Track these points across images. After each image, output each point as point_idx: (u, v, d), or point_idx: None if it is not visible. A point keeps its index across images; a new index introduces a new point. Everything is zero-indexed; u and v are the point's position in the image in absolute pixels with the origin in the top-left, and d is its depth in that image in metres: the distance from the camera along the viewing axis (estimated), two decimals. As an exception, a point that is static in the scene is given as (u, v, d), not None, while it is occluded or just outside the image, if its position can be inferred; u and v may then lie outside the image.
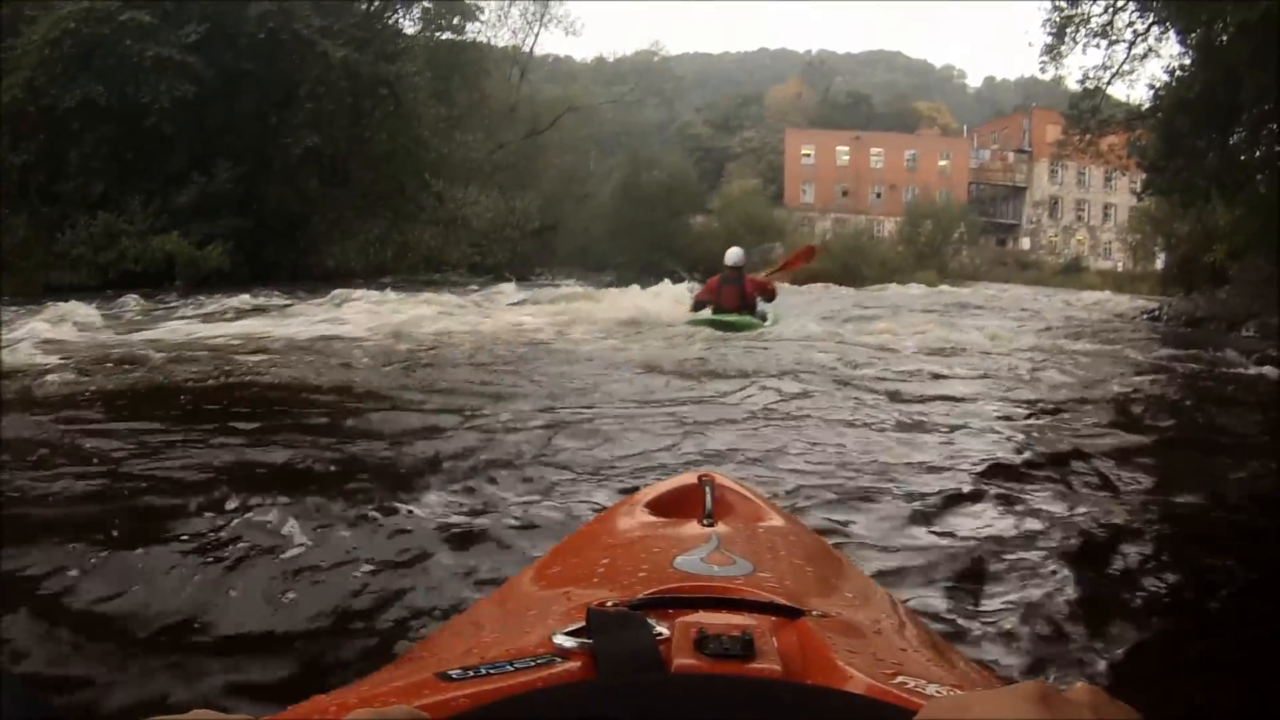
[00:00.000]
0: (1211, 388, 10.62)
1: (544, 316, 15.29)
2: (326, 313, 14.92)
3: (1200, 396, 9.69)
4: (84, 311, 13.87)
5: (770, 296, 15.38)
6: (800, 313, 18.04)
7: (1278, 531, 4.73)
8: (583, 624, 1.07)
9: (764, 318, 14.77)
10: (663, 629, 1.06)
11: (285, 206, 33.01)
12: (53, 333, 11.29)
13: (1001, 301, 27.89)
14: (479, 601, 1.84)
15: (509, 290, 20.96)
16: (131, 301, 17.80)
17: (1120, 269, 59.45)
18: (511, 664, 0.99)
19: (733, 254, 15.18)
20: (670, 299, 17.25)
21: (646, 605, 1.18)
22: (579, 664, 1.00)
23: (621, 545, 1.68)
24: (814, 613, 1.18)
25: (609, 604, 1.19)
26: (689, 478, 1.99)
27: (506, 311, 16.21)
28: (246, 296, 17.98)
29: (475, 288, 23.29)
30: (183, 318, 15.09)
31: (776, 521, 1.82)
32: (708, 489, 1.83)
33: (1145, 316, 22.22)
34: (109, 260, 27.72)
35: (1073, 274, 59.89)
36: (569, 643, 1.03)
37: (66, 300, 15.28)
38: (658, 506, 1.86)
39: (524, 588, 1.58)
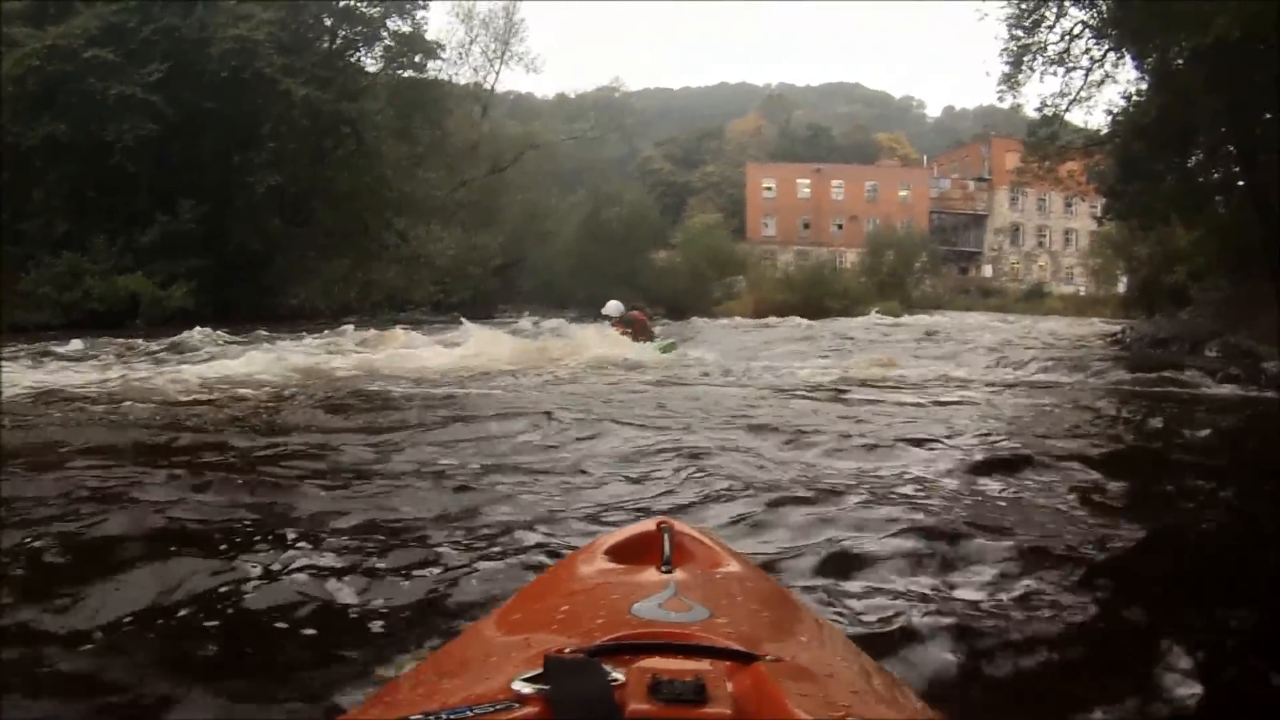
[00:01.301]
0: (1176, 408, 10.67)
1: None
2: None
3: (1165, 418, 9.72)
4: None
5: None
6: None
7: (1252, 545, 4.76)
8: (540, 670, 1.09)
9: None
10: (618, 675, 1.08)
11: (248, 245, 32.94)
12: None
13: (962, 329, 27.87)
14: (441, 648, 1.85)
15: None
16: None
17: (1083, 293, 59.87)
18: (470, 709, 1.03)
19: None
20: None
21: (603, 651, 1.20)
22: (536, 709, 1.03)
23: (581, 592, 1.67)
24: (768, 657, 1.20)
25: (567, 650, 1.21)
26: (648, 524, 1.97)
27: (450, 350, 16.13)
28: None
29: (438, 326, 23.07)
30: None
31: (734, 567, 1.82)
32: (666, 535, 1.83)
33: (1108, 340, 22.30)
34: (73, 300, 27.62)
35: (1035, 300, 60.27)
36: (526, 689, 1.06)
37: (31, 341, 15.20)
38: (617, 553, 1.86)
39: (485, 634, 1.59)
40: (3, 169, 29.09)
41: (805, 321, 31.28)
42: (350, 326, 21.26)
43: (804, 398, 10.35)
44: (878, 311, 39.93)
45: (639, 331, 18.09)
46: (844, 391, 11.13)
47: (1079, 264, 68.66)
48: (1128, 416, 9.81)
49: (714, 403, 9.69)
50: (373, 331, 20.34)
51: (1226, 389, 12.92)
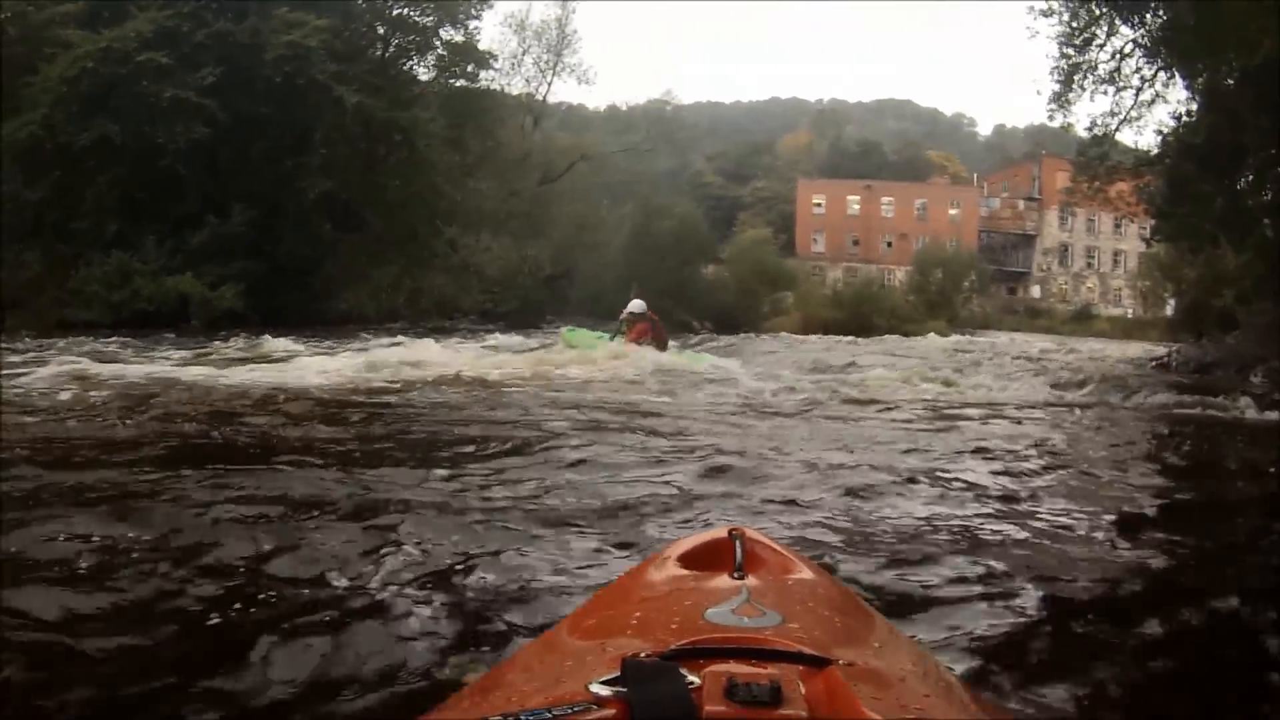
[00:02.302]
0: (1217, 439, 10.55)
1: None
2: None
3: (1206, 449, 9.64)
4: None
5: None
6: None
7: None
8: (618, 674, 1.12)
9: None
10: (694, 678, 1.11)
11: (298, 250, 33.16)
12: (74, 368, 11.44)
13: (1011, 350, 27.59)
14: (517, 651, 1.89)
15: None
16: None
17: (1130, 315, 59.30)
18: (549, 711, 1.06)
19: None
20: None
21: (679, 656, 1.22)
22: (614, 712, 1.06)
23: (654, 598, 1.70)
24: (840, 662, 1.22)
25: (642, 655, 1.24)
26: (719, 532, 2.00)
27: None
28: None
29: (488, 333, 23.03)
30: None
31: (805, 574, 1.84)
32: (738, 543, 1.86)
33: (1153, 364, 22.00)
34: (122, 299, 27.91)
35: (1083, 321, 59.68)
36: (605, 691, 1.09)
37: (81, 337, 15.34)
38: (689, 560, 1.88)
39: (560, 639, 1.63)
40: (55, 168, 29.44)
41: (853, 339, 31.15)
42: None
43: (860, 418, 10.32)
44: (933, 333, 39.56)
45: (656, 336, 17.57)
46: (890, 409, 11.10)
47: (1127, 286, 68.03)
48: (1167, 443, 9.71)
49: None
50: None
51: (1272, 415, 12.76)
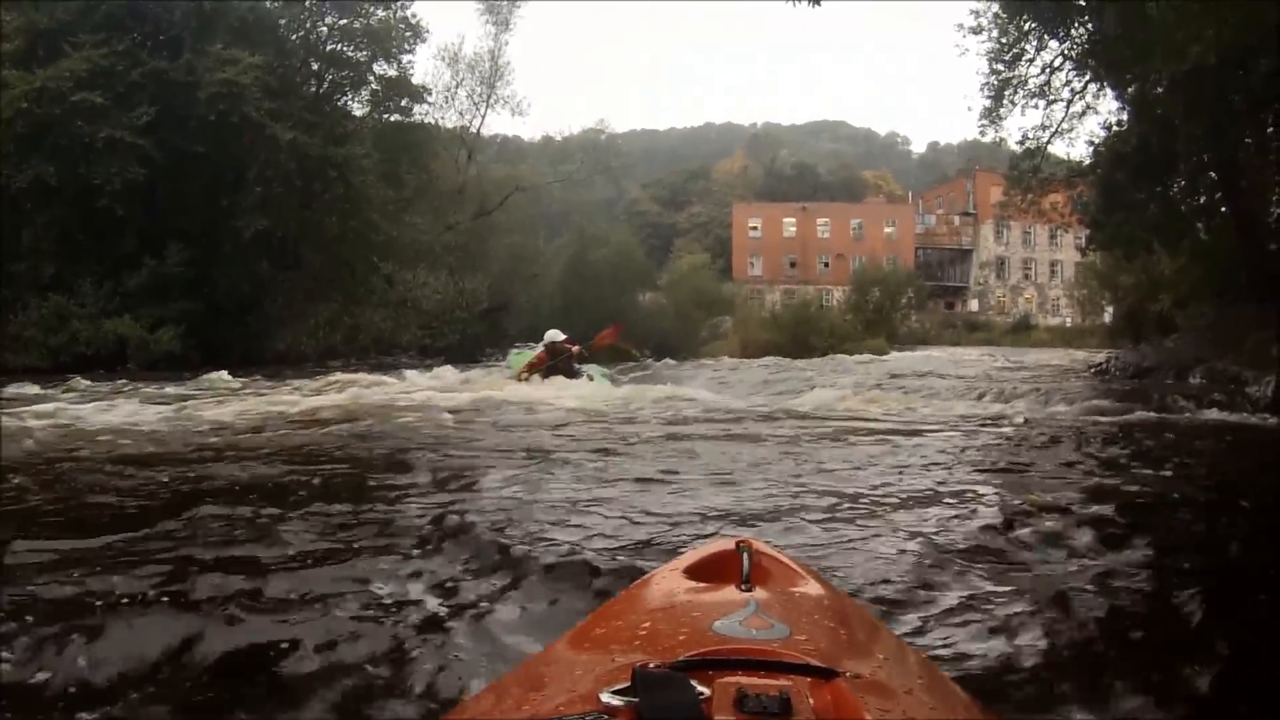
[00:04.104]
0: (1157, 436, 10.64)
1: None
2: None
3: (1146, 446, 9.73)
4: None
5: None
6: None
7: (1246, 567, 4.82)
8: (628, 684, 1.12)
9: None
10: (703, 689, 1.12)
11: (236, 289, 32.95)
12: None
13: (949, 364, 27.75)
14: (525, 661, 1.88)
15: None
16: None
17: (1069, 324, 60.06)
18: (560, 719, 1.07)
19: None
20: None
21: (688, 667, 1.22)
22: None
23: (661, 609, 1.71)
24: (848, 674, 1.23)
25: (652, 665, 1.23)
26: (726, 544, 2.01)
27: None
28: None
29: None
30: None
31: (812, 586, 1.86)
32: (745, 555, 1.87)
33: (1092, 370, 22.23)
34: (60, 343, 27.65)
35: (1022, 332, 60.39)
36: (616, 701, 1.10)
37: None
38: (696, 572, 1.90)
39: (568, 649, 1.62)
40: (-8, 211, 29.10)
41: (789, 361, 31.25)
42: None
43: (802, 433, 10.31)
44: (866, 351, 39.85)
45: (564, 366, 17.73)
46: (816, 426, 11.13)
47: (1065, 295, 68.90)
48: (1108, 444, 9.76)
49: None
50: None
51: (1210, 414, 12.93)
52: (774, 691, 1.09)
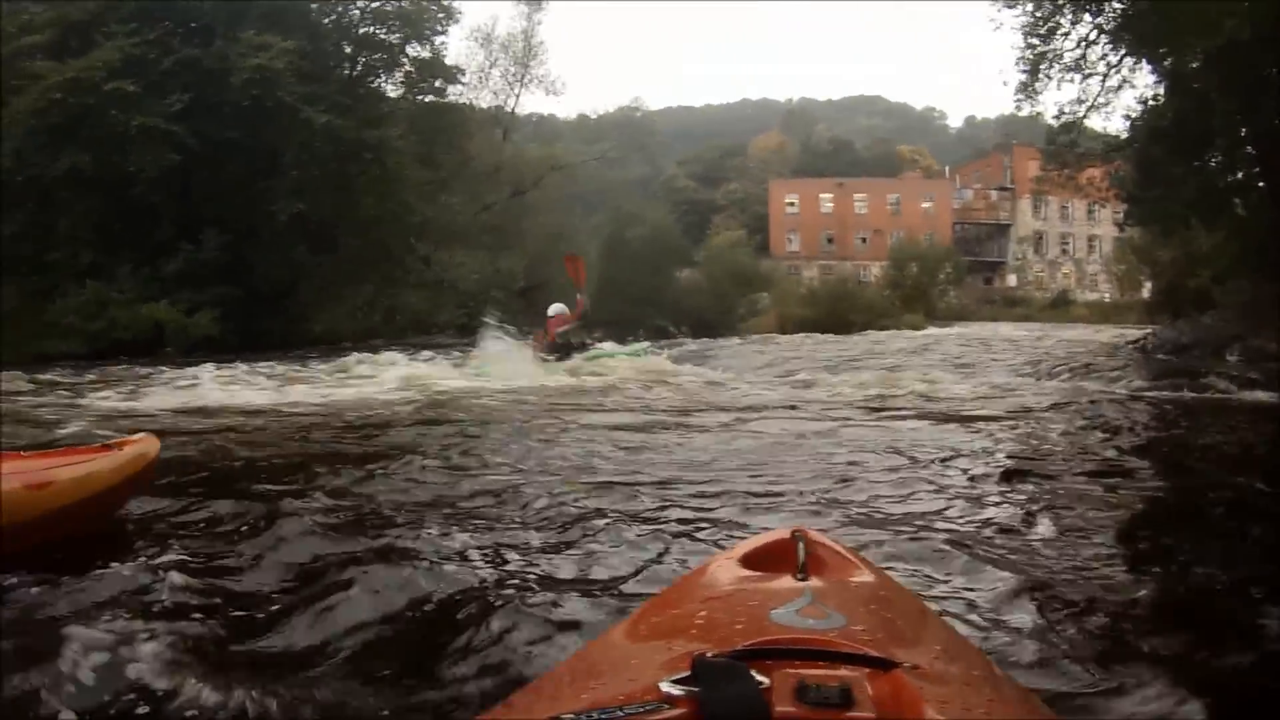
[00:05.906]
0: (1193, 416, 10.55)
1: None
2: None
3: (1182, 427, 9.66)
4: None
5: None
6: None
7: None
8: (687, 673, 1.13)
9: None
10: (763, 679, 1.12)
11: (273, 273, 33.17)
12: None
13: (988, 340, 27.55)
14: (580, 649, 1.92)
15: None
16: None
17: (1107, 300, 59.28)
18: (621, 709, 1.07)
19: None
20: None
21: (746, 656, 1.23)
22: (685, 710, 1.07)
23: (717, 598, 1.71)
24: (906, 664, 1.23)
25: (710, 654, 1.23)
26: (781, 533, 2.03)
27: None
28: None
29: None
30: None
31: (867, 576, 1.87)
32: (800, 544, 1.88)
33: (1131, 346, 22.03)
34: (99, 328, 27.92)
35: (1060, 308, 59.57)
36: (676, 690, 1.10)
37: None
38: (751, 561, 1.90)
39: (625, 638, 1.64)
40: (27, 201, 29.48)
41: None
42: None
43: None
44: (904, 327, 39.61)
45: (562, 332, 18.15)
46: (870, 410, 11.10)
47: (1103, 271, 68.03)
48: (1146, 426, 9.69)
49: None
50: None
51: (1247, 395, 12.78)
52: (834, 682, 1.10)
